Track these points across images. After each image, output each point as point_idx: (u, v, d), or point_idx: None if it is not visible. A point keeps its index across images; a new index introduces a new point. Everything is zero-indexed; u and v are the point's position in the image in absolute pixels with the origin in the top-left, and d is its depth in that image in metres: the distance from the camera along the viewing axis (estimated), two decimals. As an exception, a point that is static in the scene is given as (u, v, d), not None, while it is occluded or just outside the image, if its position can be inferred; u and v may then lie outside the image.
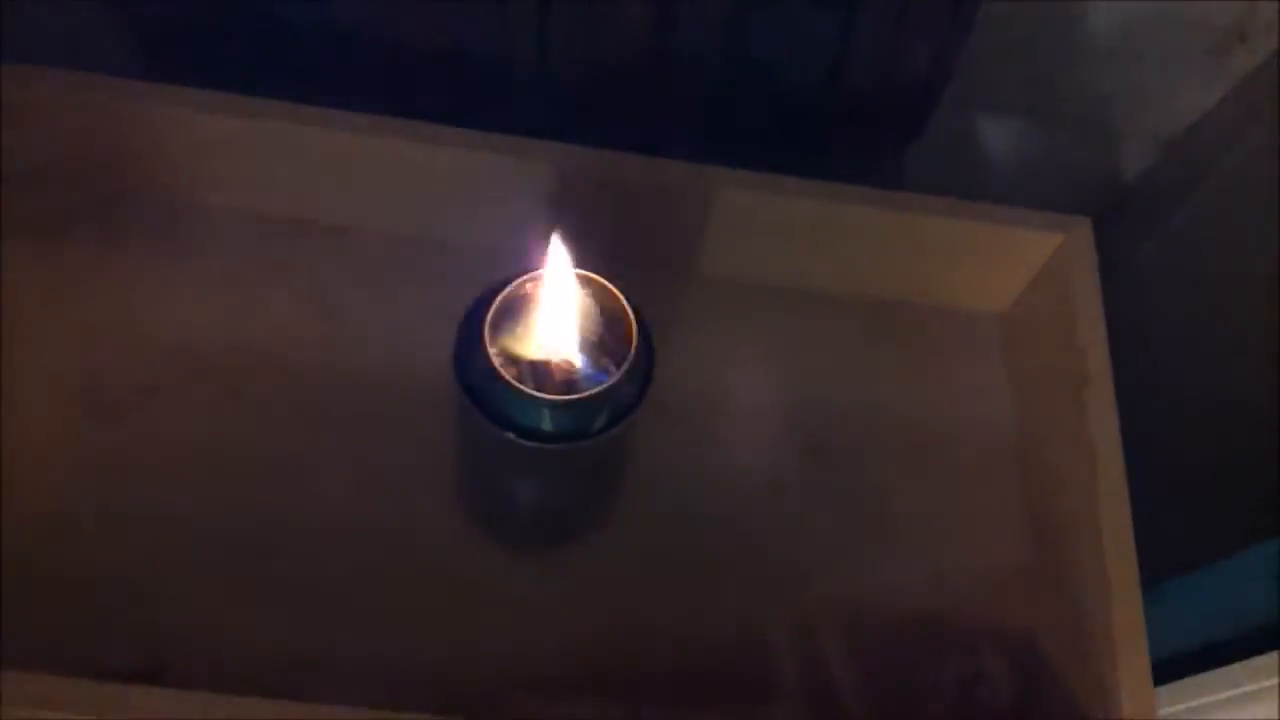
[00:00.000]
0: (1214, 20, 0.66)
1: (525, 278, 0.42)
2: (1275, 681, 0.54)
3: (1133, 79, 0.72)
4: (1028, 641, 0.53)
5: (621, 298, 0.42)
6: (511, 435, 0.41)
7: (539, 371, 0.41)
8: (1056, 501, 0.54)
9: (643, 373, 0.42)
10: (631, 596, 0.51)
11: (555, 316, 0.41)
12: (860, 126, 0.66)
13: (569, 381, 0.41)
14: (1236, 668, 0.56)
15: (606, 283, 0.42)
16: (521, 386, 0.40)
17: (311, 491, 0.51)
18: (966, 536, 0.55)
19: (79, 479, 0.49)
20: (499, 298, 0.41)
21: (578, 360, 0.41)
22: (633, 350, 0.41)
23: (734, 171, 0.55)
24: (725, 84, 0.61)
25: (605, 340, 0.42)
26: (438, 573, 0.50)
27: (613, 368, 0.41)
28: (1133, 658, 0.47)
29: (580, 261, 0.42)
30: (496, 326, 0.41)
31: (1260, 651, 0.55)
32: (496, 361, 0.40)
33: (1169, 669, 0.58)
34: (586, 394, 0.40)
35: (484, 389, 0.41)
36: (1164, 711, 0.58)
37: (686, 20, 0.57)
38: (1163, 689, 0.57)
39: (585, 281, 0.42)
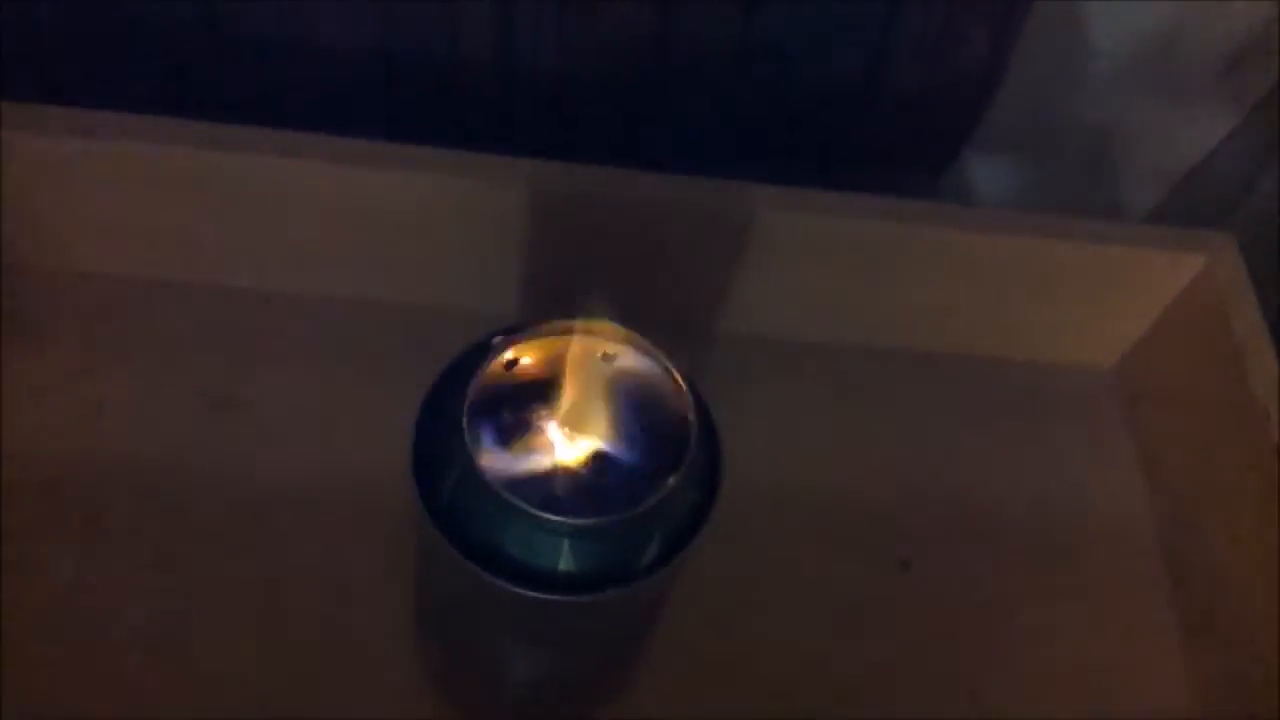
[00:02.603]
0: (1219, 49, 0.60)
1: (510, 339, 0.28)
2: None
3: (1135, 113, 0.65)
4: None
5: (668, 363, 0.28)
6: (506, 584, 0.26)
7: (547, 483, 0.26)
8: (1228, 609, 0.40)
9: (707, 471, 0.28)
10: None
11: (573, 394, 0.27)
12: (905, 127, 0.53)
13: (593, 494, 0.26)
14: None
15: (643, 340, 0.28)
16: (527, 506, 0.25)
17: (188, 678, 0.35)
18: (1111, 664, 0.40)
19: None
20: (481, 370, 0.27)
21: (607, 461, 0.27)
22: (691, 441, 0.26)
23: (763, 188, 0.41)
24: (738, 80, 0.48)
25: (644, 430, 0.27)
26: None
27: (660, 470, 0.26)
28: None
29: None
30: (479, 415, 0.26)
31: None
32: (485, 467, 0.25)
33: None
34: (630, 513, 0.25)
35: (462, 510, 0.26)
36: None
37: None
38: None
39: (608, 339, 0.28)
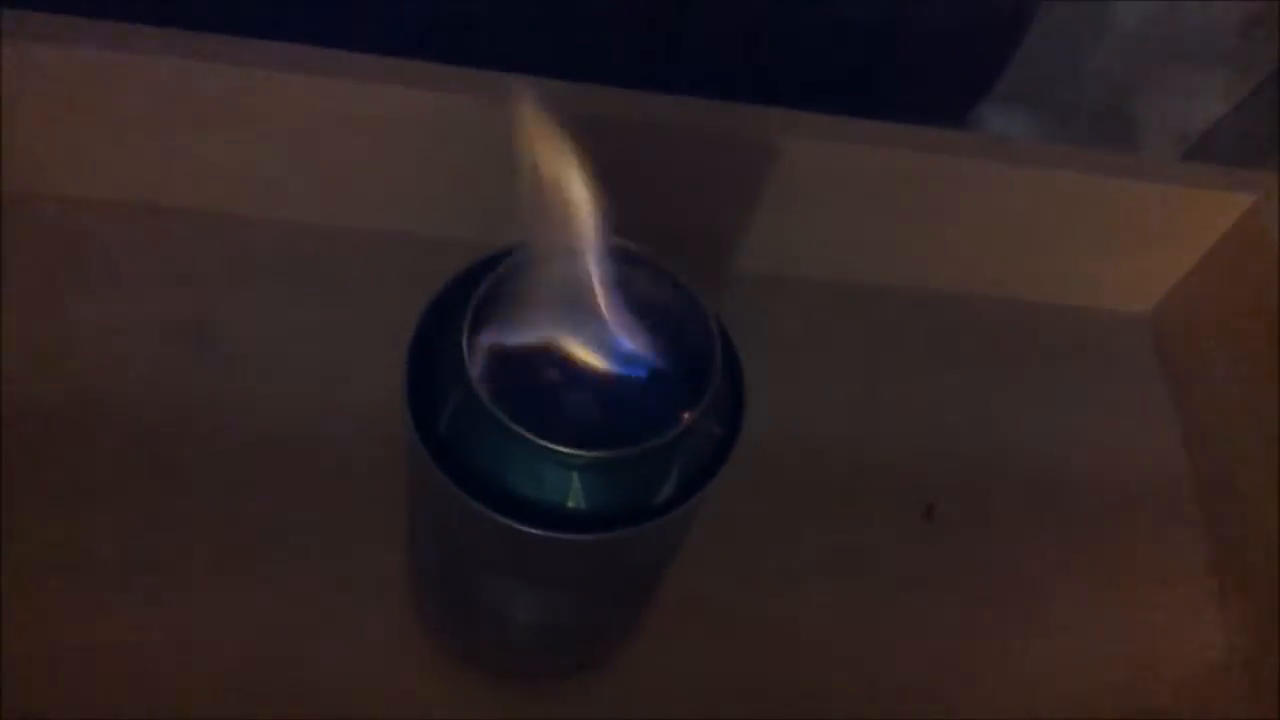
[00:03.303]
0: (1237, 11, 0.59)
1: (518, 257, 0.25)
2: None
3: (1152, 75, 0.64)
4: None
5: (690, 290, 0.25)
6: (511, 521, 0.24)
7: (555, 412, 0.24)
8: (1266, 564, 0.38)
9: (729, 405, 0.26)
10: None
11: (585, 319, 0.24)
12: (930, 69, 0.51)
13: (606, 426, 0.24)
14: None
15: (663, 263, 0.26)
16: (532, 435, 0.23)
17: (171, 615, 0.33)
18: (1146, 620, 0.38)
19: None
20: (484, 289, 0.24)
21: (622, 390, 0.24)
22: (714, 373, 0.24)
23: (781, 113, 0.39)
24: (758, 19, 0.46)
25: (663, 359, 0.25)
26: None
27: (680, 401, 0.24)
28: None
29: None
30: (479, 338, 0.24)
31: None
32: (486, 394, 0.23)
33: None
34: (647, 444, 0.23)
35: (463, 443, 0.24)
36: None
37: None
38: None
39: (623, 261, 0.26)
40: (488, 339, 0.24)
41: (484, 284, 0.24)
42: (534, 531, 0.24)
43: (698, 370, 0.24)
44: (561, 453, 0.23)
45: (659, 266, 0.26)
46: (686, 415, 0.24)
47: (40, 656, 0.32)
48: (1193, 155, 0.69)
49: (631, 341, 0.25)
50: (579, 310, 0.25)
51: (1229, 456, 0.40)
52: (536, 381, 0.24)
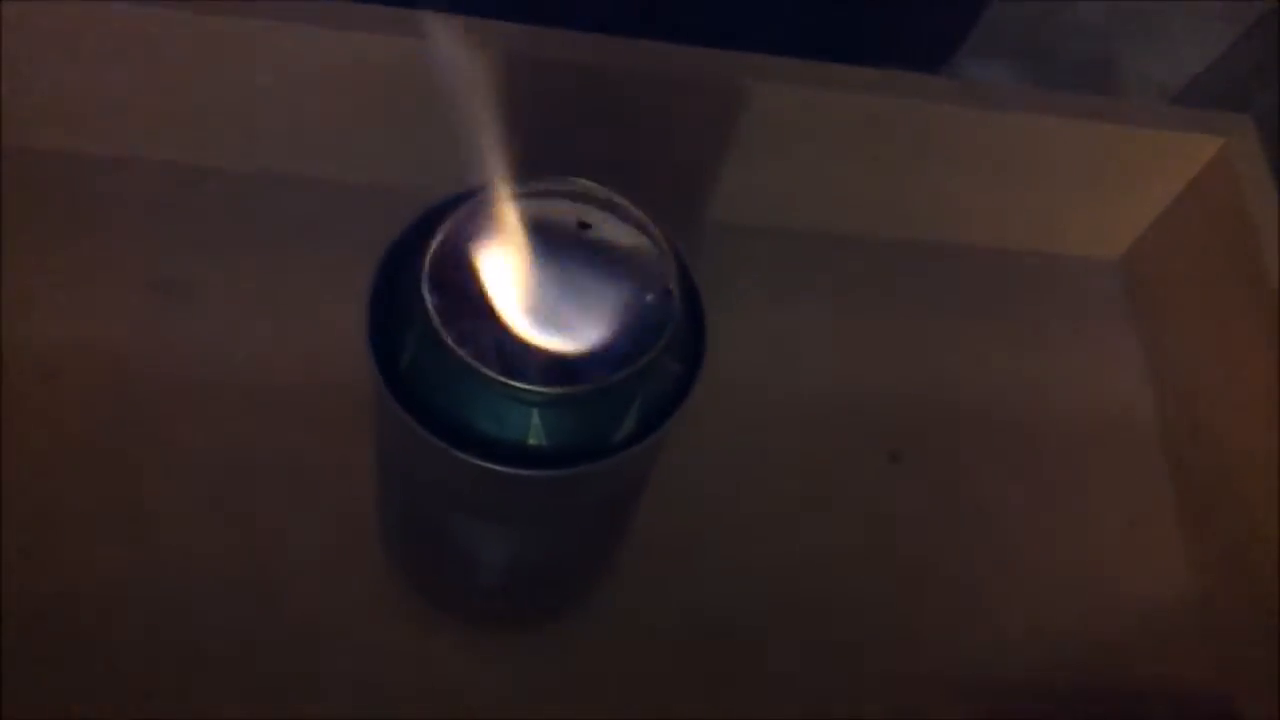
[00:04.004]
0: None
1: (477, 198, 0.25)
2: None
3: (1134, 27, 0.64)
4: (1207, 697, 0.37)
5: (652, 229, 0.25)
6: (473, 458, 0.24)
7: (515, 350, 0.24)
8: (1231, 503, 0.38)
9: (689, 344, 0.26)
10: (652, 684, 0.34)
11: (545, 258, 0.24)
12: (904, 18, 0.51)
13: (566, 363, 0.24)
14: None
15: (626, 203, 0.26)
16: (495, 374, 0.23)
17: (149, 550, 0.33)
18: (1112, 560, 0.39)
19: None
20: (441, 230, 0.24)
21: (583, 330, 0.24)
22: (674, 307, 0.24)
23: (749, 56, 0.38)
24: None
25: (624, 297, 0.25)
26: (359, 680, 0.32)
27: (640, 339, 0.24)
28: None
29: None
30: (440, 278, 0.24)
31: None
32: (447, 333, 0.23)
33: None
34: (606, 381, 0.23)
35: (424, 381, 0.24)
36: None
37: None
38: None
39: (586, 202, 0.26)
40: (448, 279, 0.24)
41: (444, 225, 0.25)
42: (495, 467, 0.24)
43: (660, 309, 0.25)
44: (521, 389, 0.23)
45: (621, 206, 0.26)
46: (645, 352, 0.24)
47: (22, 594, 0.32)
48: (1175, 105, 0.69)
49: (593, 280, 0.25)
50: (541, 250, 0.25)
51: (1197, 400, 0.41)
52: (497, 321, 0.24)
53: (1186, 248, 0.42)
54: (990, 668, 0.36)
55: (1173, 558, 0.39)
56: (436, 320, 0.23)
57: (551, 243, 0.25)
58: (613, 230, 0.26)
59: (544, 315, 0.24)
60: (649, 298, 0.25)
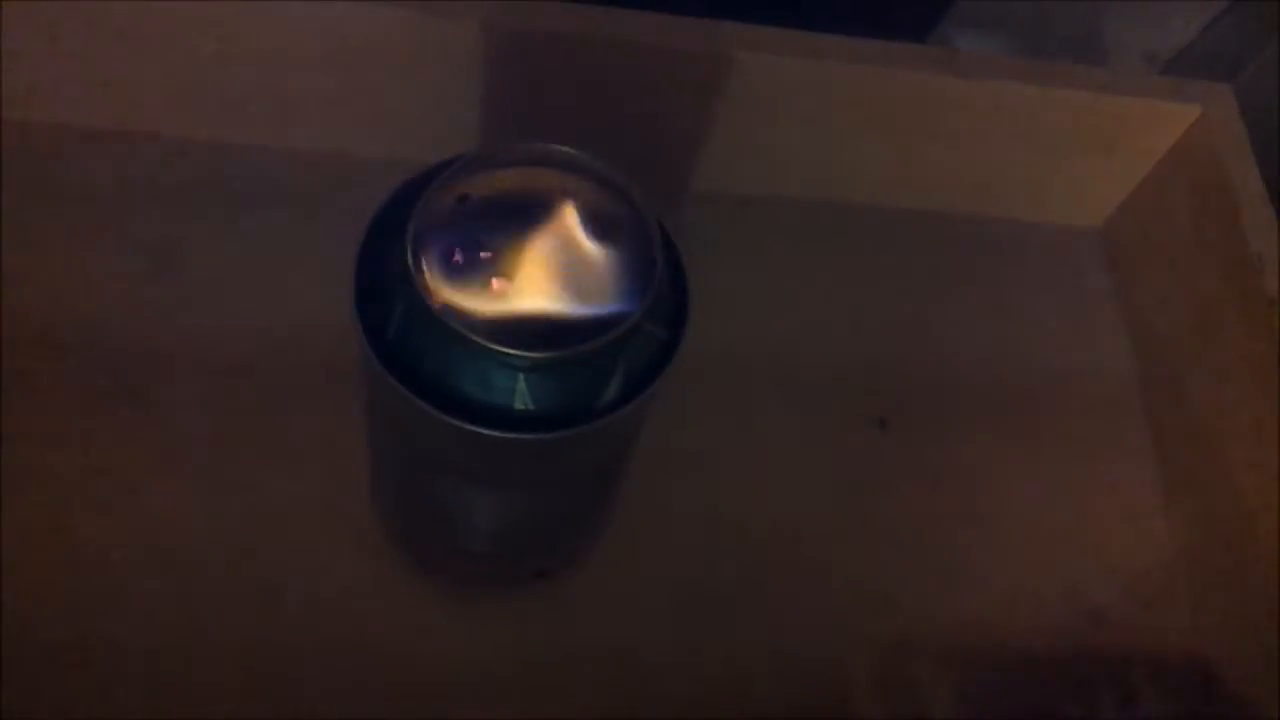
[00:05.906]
0: None
1: (461, 165, 0.25)
2: None
3: None
4: (1188, 658, 0.38)
5: (635, 197, 0.26)
6: (461, 422, 0.24)
7: (500, 316, 0.25)
8: (1211, 467, 0.39)
9: (673, 309, 0.26)
10: (640, 645, 0.34)
11: (530, 225, 0.25)
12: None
13: (550, 329, 0.25)
14: None
15: (608, 171, 0.26)
16: (480, 339, 0.23)
17: (137, 522, 0.33)
18: (1094, 523, 0.39)
19: None
20: (425, 198, 0.25)
21: (568, 295, 0.25)
22: (656, 273, 0.25)
23: (731, 25, 0.39)
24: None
25: (606, 264, 0.25)
26: (353, 647, 0.33)
27: (623, 305, 0.25)
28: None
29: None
30: (424, 246, 0.24)
31: None
32: (432, 300, 0.23)
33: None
34: (589, 345, 0.24)
35: (411, 348, 0.25)
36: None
37: None
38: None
39: (569, 170, 0.26)
40: (432, 247, 0.24)
41: (428, 193, 0.25)
42: (482, 431, 0.24)
43: (643, 274, 0.25)
44: (507, 354, 0.24)
45: (603, 173, 0.26)
46: (628, 317, 0.24)
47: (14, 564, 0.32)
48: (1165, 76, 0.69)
49: (577, 246, 0.25)
50: (524, 217, 0.25)
51: (1178, 366, 0.41)
52: (483, 287, 0.25)
53: (1166, 215, 0.42)
54: (973, 630, 0.37)
55: (1153, 521, 0.40)
56: (421, 288, 0.24)
57: (535, 209, 0.25)
58: (596, 197, 0.26)
59: (529, 281, 0.25)
60: (632, 263, 0.25)
